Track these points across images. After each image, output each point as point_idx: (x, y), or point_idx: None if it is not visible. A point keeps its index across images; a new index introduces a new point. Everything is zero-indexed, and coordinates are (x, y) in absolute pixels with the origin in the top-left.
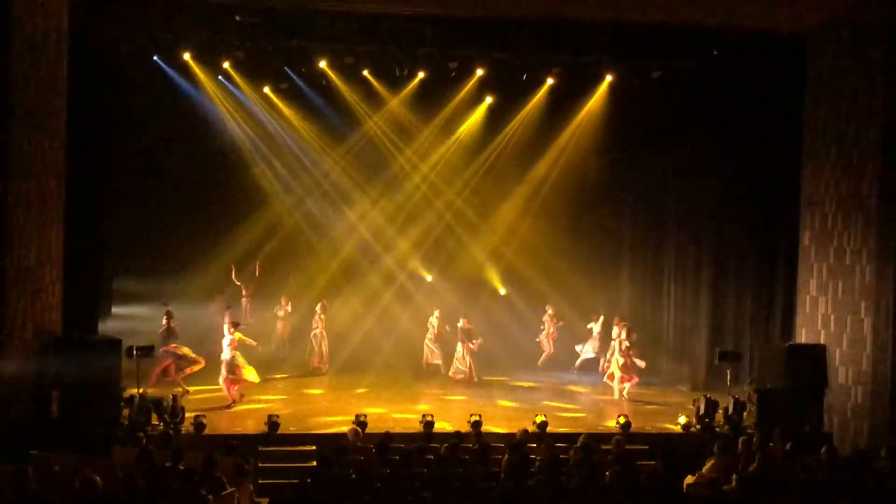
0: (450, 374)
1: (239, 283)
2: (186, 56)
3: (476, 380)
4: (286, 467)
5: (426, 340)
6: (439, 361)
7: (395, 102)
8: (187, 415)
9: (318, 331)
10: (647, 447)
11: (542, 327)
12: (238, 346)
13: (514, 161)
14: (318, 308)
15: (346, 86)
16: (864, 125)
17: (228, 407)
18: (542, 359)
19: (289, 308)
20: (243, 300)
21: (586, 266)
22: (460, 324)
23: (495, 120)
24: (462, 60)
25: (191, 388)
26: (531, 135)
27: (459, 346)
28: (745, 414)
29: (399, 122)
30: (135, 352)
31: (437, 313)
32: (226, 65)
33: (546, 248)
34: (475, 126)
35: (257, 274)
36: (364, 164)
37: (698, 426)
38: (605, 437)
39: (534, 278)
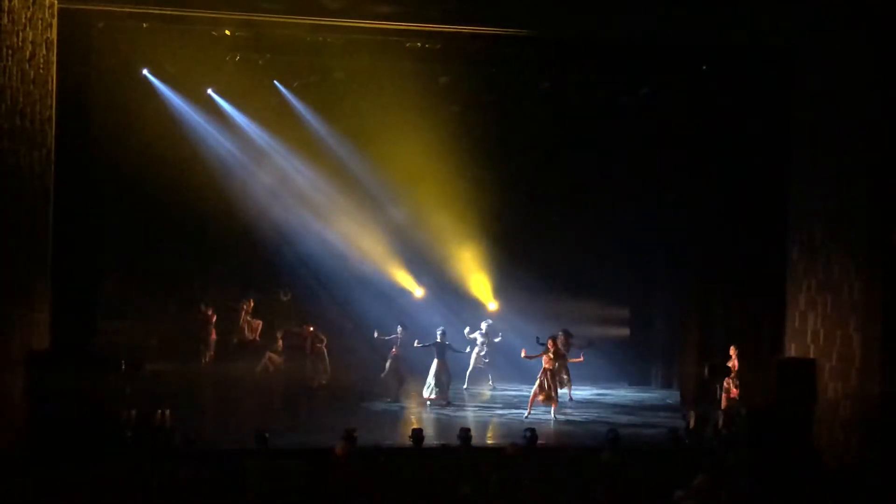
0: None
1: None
2: (175, 69)
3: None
4: (275, 482)
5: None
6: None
7: (384, 116)
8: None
9: (318, 347)
10: (636, 461)
11: (476, 342)
12: None
13: (505, 175)
14: (309, 328)
15: (335, 100)
16: (853, 139)
17: None
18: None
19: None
20: (241, 320)
21: (576, 279)
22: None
23: (483, 134)
24: (451, 75)
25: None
26: (521, 148)
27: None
28: (734, 428)
29: (388, 136)
30: (124, 367)
31: (399, 329)
32: (215, 79)
33: (532, 256)
34: (465, 140)
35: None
36: (353, 177)
37: (688, 440)
38: (594, 450)
39: (521, 288)
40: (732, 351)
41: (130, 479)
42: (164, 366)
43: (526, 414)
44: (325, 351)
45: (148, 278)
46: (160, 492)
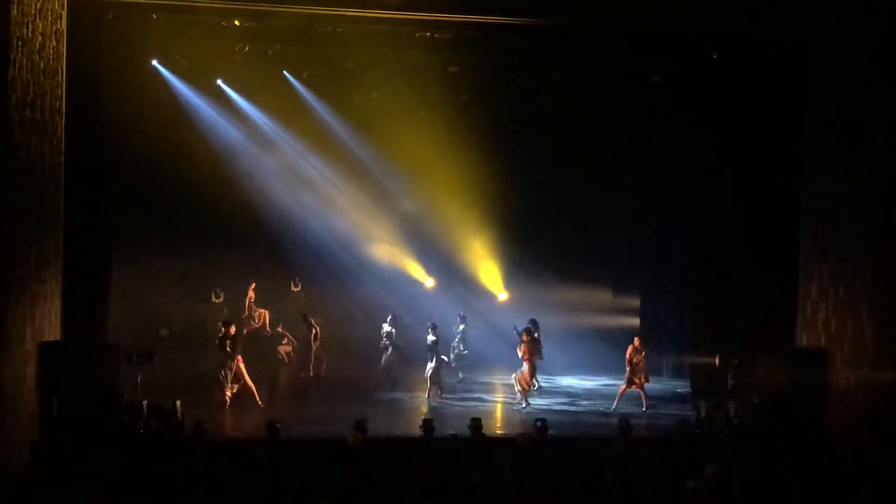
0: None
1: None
2: (185, 60)
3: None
4: (287, 473)
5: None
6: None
7: (394, 106)
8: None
9: (316, 339)
10: (648, 450)
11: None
12: None
13: (515, 165)
14: (309, 319)
15: (345, 90)
16: (866, 129)
17: None
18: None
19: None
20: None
21: (586, 268)
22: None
23: (492, 124)
24: (460, 65)
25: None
26: (531, 138)
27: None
28: (746, 418)
29: (398, 126)
30: (134, 358)
31: (389, 318)
32: (224, 69)
33: (543, 246)
34: (474, 130)
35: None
36: (363, 167)
37: (699, 430)
38: (606, 440)
39: (531, 278)
40: (637, 342)
41: (141, 469)
42: (175, 356)
43: (524, 406)
44: (319, 342)
45: (158, 268)
46: (171, 482)
